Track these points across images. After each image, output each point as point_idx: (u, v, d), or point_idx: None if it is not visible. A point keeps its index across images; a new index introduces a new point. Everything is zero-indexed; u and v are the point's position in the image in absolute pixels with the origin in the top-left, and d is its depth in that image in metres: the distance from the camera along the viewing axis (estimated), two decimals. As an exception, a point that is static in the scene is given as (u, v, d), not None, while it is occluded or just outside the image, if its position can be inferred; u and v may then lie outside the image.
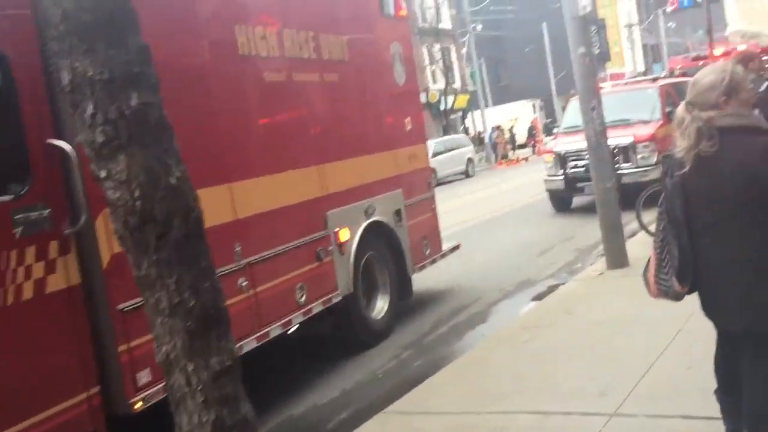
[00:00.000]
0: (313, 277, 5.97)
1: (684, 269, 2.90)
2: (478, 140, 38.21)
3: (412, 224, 7.72)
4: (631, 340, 5.34)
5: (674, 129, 2.91)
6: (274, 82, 5.82)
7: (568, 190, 13.17)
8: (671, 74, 19.40)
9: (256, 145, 5.57)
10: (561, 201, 13.75)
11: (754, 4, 53.12)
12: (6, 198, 3.71)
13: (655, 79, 15.08)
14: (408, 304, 7.85)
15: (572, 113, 13.37)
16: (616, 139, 12.70)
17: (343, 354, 6.57)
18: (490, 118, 39.85)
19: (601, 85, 15.34)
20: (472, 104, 43.08)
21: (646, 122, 13.14)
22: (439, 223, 8.48)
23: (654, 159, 12.50)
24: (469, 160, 30.55)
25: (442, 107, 38.55)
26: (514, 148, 38.62)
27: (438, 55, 38.92)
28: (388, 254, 7.27)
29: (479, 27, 43.15)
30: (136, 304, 4.12)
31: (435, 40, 36.64)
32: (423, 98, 38.97)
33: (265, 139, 5.70)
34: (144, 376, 4.19)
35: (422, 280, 8.49)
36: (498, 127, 37.08)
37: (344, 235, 6.46)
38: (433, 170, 27.51)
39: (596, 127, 7.83)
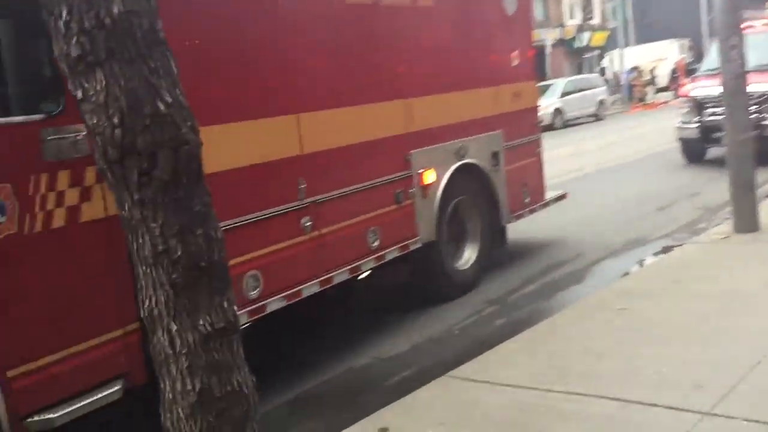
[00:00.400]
0: (389, 221, 5.51)
1: None
2: (613, 81, 35.88)
3: (512, 169, 7.06)
4: (744, 323, 4.54)
5: None
6: (355, 4, 5.27)
7: (702, 140, 11.86)
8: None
9: (331, 74, 5.09)
10: (693, 152, 12.46)
11: None
12: (36, 117, 3.46)
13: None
14: (501, 256, 7.28)
15: (715, 54, 11.92)
16: (763, 85, 11.26)
17: (420, 305, 6.14)
18: (630, 57, 37.18)
19: (751, 22, 13.63)
20: (612, 43, 40.34)
21: (801, 67, 11.50)
22: (544, 169, 7.75)
23: (807, 111, 10.97)
24: (601, 102, 28.72)
25: (577, 45, 36.38)
26: (654, 92, 35.97)
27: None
28: (481, 200, 6.69)
29: (625, -43, 39.98)
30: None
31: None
32: (557, 34, 37.05)
33: (342, 67, 5.20)
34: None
35: (521, 230, 7.85)
36: (636, 68, 34.56)
37: (429, 177, 5.93)
38: (559, 111, 26.82)
39: (735, 70, 6.75)
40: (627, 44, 39.43)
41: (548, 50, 34.84)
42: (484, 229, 6.74)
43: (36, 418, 3.27)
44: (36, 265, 3.41)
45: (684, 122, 12.25)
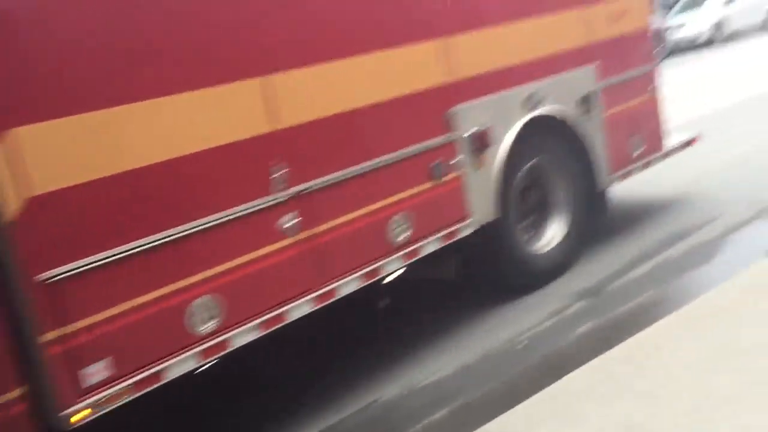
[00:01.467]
0: (424, 203, 4.19)
1: None
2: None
3: (613, 114, 5.45)
4: None
5: None
6: None
7: None
8: None
9: (317, 15, 3.78)
10: None
11: None
12: None
13: None
14: (605, 227, 5.72)
15: None
16: None
17: (482, 304, 4.81)
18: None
19: None
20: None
21: None
22: (663, 109, 6.00)
23: None
24: (769, 9, 24.70)
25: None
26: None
27: None
28: (567, 160, 5.17)
29: None
30: (69, 271, 2.82)
31: None
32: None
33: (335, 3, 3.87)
34: (94, 373, 2.92)
35: (634, 186, 6.20)
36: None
37: (485, 138, 4.51)
38: (719, 24, 23.34)
39: None
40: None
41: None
42: (574, 197, 5.23)
43: None
44: None
45: None
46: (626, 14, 5.60)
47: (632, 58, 5.70)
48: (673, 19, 23.88)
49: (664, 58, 21.55)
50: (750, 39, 22.62)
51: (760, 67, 14.34)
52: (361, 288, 3.85)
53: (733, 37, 23.30)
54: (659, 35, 22.01)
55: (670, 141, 6.14)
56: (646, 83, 5.83)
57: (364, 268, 3.86)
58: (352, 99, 3.86)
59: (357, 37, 3.92)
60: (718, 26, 23.05)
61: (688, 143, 6.23)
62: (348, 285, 3.80)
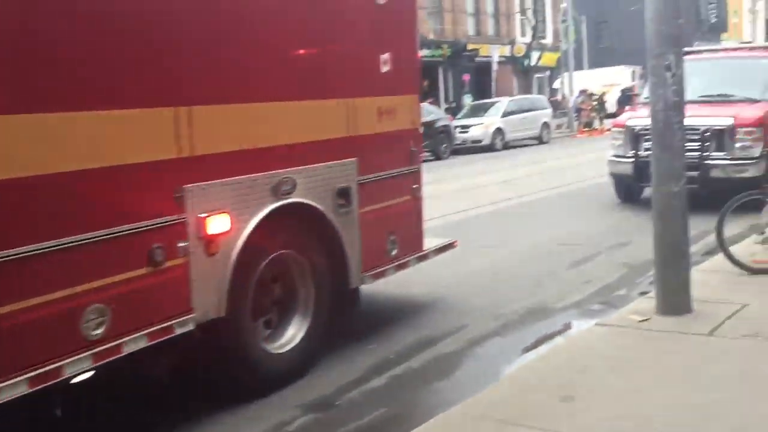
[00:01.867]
0: (135, 292, 3.59)
1: None
2: (562, 104, 34.66)
3: (371, 211, 5.24)
4: None
5: None
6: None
7: (637, 177, 10.16)
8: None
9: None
10: (627, 190, 10.84)
11: None
12: None
13: (774, 48, 11.76)
14: (351, 329, 5.43)
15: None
16: (710, 119, 9.75)
17: (199, 405, 4.23)
18: (581, 81, 35.98)
19: (700, 47, 12.21)
20: (564, 65, 39.20)
21: (752, 102, 10.02)
22: (423, 211, 5.95)
23: (758, 151, 9.47)
24: (545, 124, 27.35)
25: (526, 64, 35.09)
26: (601, 118, 34.84)
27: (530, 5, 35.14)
28: (317, 255, 4.83)
29: (581, -22, 38.90)
30: None
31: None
32: (507, 51, 35.67)
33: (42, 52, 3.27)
34: None
35: (396, 283, 6.03)
36: (584, 92, 33.37)
37: (218, 224, 4.03)
38: (501, 131, 25.31)
39: (668, 98, 5.05)
40: (579, 67, 38.35)
41: (495, 66, 33.40)
42: (322, 294, 4.88)
43: None
44: None
45: (617, 155, 10.64)
46: (394, 113, 5.51)
47: (397, 156, 5.59)
48: (460, 121, 25.53)
49: (448, 156, 22.91)
50: (526, 149, 24.76)
51: (525, 177, 15.49)
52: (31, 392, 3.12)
53: (511, 144, 25.36)
54: (448, 133, 23.43)
55: (429, 243, 6.08)
56: (409, 183, 5.74)
57: (37, 369, 3.14)
58: (49, 162, 3.23)
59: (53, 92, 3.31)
60: (498, 133, 24.96)
61: (447, 247, 6.22)
62: (15, 387, 3.06)
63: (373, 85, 5.29)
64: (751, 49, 12.02)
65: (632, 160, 10.16)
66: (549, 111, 28.25)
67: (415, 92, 5.90)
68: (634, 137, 10.15)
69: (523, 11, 34.38)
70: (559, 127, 32.04)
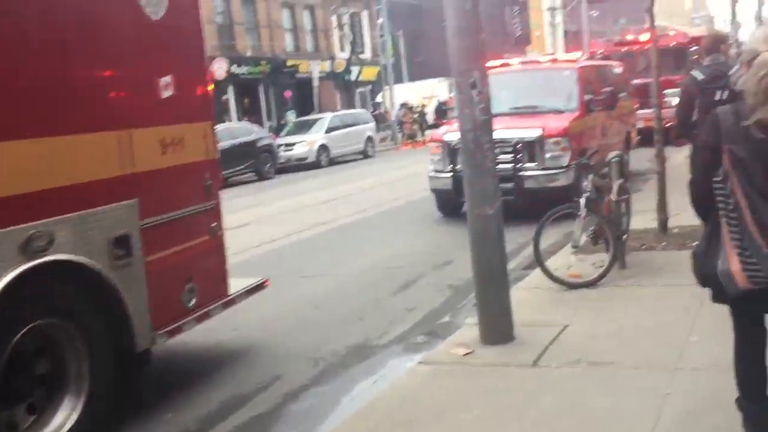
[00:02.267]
0: None
1: None
2: (384, 117, 35.13)
3: (160, 259, 4.53)
4: None
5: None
6: None
7: (456, 192, 10.08)
8: (592, 58, 16.89)
9: None
10: (448, 205, 10.76)
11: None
12: None
13: (573, 60, 12.28)
14: (141, 399, 4.66)
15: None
16: (521, 131, 9.90)
17: None
18: (401, 94, 36.64)
19: (508, 60, 12.51)
20: (384, 78, 39.82)
21: (558, 112, 10.31)
22: (225, 251, 5.30)
23: (566, 159, 9.70)
24: (369, 138, 27.43)
25: (347, 78, 35.19)
26: (423, 129, 35.71)
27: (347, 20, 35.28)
28: (92, 318, 4.04)
29: (396, -6, 39.76)
30: None
31: (343, 3, 33.03)
32: (328, 66, 35.59)
33: None
34: None
35: (193, 338, 5.32)
36: (405, 105, 34.05)
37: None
38: (325, 148, 25.03)
39: (476, 116, 4.78)
40: (400, 80, 39.09)
41: (316, 82, 33.20)
42: (100, 364, 4.09)
43: None
44: None
45: (436, 170, 10.56)
46: (183, 143, 4.83)
47: (189, 193, 4.92)
48: (283, 139, 24.94)
49: (272, 175, 22.23)
50: (352, 164, 24.63)
51: (349, 194, 15.19)
52: None
53: (337, 160, 25.14)
54: (271, 152, 22.72)
55: (237, 285, 5.45)
56: (206, 221, 5.08)
57: None
58: None
59: None
60: (322, 150, 24.64)
61: (257, 288, 5.60)
62: None
63: (152, 114, 4.59)
64: (554, 60, 12.45)
65: (451, 175, 10.08)
66: (372, 125, 28.41)
67: (208, 118, 5.24)
68: (452, 152, 10.08)
69: (340, 26, 34.42)
70: (383, 140, 32.41)
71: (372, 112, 35.70)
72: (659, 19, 7.33)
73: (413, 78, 42.01)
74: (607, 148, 10.20)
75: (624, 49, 18.74)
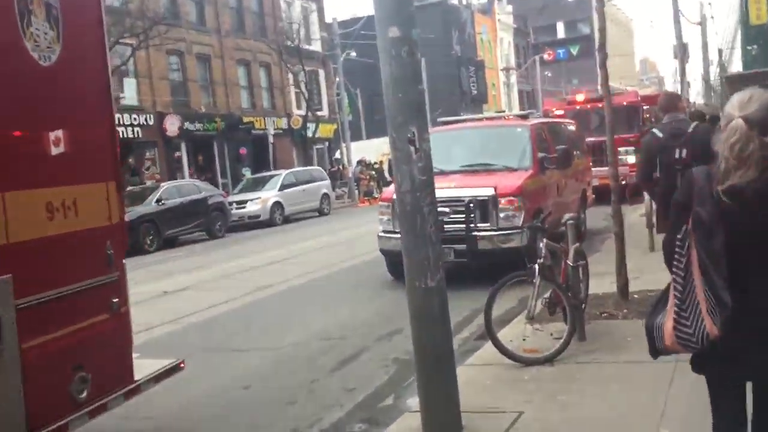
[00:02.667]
0: None
1: (728, 310, 2.43)
2: (340, 174, 34.73)
3: (42, 344, 3.82)
4: None
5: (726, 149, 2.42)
6: None
7: (407, 253, 9.54)
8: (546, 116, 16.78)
9: None
10: (399, 267, 10.12)
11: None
12: None
13: (526, 116, 11.98)
14: None
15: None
16: (474, 189, 9.42)
17: None
18: (361, 151, 36.38)
19: (464, 117, 12.20)
20: (341, 136, 39.60)
21: (511, 170, 9.89)
22: (130, 331, 4.60)
23: (520, 219, 9.22)
24: (325, 195, 26.89)
25: (304, 135, 34.80)
26: (380, 186, 35.39)
27: (303, 78, 35.05)
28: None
29: (353, 53, 39.88)
30: None
31: (299, 61, 32.81)
32: (284, 123, 35.22)
33: None
34: None
35: (94, 429, 4.54)
36: (362, 162, 33.77)
37: None
38: (280, 205, 24.35)
39: (415, 176, 4.23)
40: (359, 137, 38.90)
41: (271, 139, 32.75)
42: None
43: None
44: None
45: (385, 231, 10.00)
46: (76, 207, 4.17)
47: (84, 264, 4.24)
48: (236, 197, 24.25)
49: (223, 234, 21.44)
50: (307, 221, 23.99)
51: (299, 255, 14.50)
52: None
53: (293, 218, 24.48)
54: (222, 210, 21.98)
55: (149, 367, 4.74)
56: (106, 297, 4.39)
57: None
58: None
59: None
60: (276, 208, 23.98)
61: (172, 370, 4.89)
62: None
63: (35, 174, 3.93)
64: (507, 118, 12.14)
65: (400, 235, 9.49)
66: (328, 182, 27.92)
67: (112, 178, 4.60)
68: (401, 212, 9.52)
69: (296, 84, 34.16)
70: (340, 197, 31.93)
71: (331, 168, 35.33)
72: (610, 81, 7.12)
73: (371, 135, 41.94)
74: (563, 207, 9.83)
75: (577, 107, 18.74)
